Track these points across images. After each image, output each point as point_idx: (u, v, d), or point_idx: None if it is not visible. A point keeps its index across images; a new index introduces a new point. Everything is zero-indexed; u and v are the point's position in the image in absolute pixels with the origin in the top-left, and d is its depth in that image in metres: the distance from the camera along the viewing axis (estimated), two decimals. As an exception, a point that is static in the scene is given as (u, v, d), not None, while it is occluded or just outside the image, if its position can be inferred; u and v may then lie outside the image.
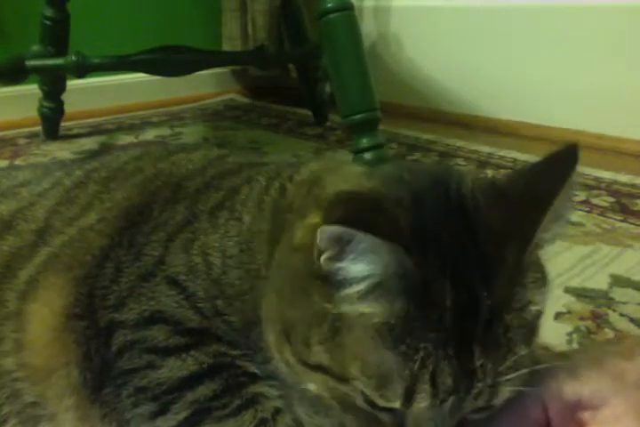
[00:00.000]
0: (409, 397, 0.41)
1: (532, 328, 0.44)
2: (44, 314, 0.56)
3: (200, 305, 0.53)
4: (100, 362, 0.53)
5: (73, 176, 0.70)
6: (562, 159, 0.42)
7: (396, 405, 0.41)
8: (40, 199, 0.66)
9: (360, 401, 0.43)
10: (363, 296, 0.41)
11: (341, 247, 0.40)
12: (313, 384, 0.46)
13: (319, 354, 0.43)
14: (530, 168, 0.46)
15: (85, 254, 0.58)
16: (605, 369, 0.45)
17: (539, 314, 0.44)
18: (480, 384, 0.41)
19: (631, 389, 0.43)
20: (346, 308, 0.42)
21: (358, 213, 0.40)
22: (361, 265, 0.40)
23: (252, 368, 0.52)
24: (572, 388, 0.44)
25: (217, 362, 0.51)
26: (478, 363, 0.40)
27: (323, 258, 0.41)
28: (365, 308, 0.41)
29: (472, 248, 0.42)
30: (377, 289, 0.41)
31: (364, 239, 0.39)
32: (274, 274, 0.50)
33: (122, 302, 0.53)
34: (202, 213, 0.58)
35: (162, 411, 0.50)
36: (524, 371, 0.42)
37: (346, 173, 0.57)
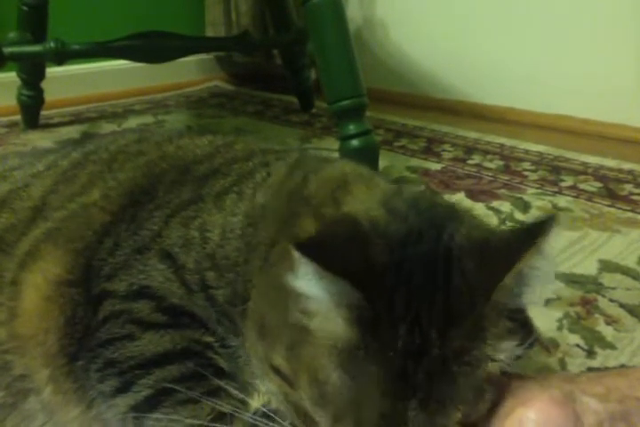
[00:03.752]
0: (335, 422, 0.42)
1: (481, 387, 0.42)
2: (39, 282, 0.56)
3: (188, 277, 0.54)
4: (83, 329, 0.54)
5: (69, 158, 0.70)
6: (537, 229, 0.42)
7: (325, 426, 0.43)
8: (35, 180, 0.67)
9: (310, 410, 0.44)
10: (317, 314, 0.43)
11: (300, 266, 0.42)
12: (273, 385, 0.48)
13: (280, 359, 0.45)
14: (511, 231, 0.47)
15: (87, 229, 0.59)
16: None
17: (503, 366, 0.44)
18: None
19: None
20: (306, 322, 0.44)
21: (327, 242, 0.42)
22: (309, 287, 0.42)
23: (221, 362, 0.52)
24: None
25: (189, 347, 0.52)
26: (412, 414, 0.40)
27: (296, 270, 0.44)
28: (320, 325, 0.43)
29: (441, 298, 0.42)
30: (329, 312, 0.42)
31: (311, 266, 0.40)
32: (267, 271, 0.51)
33: (115, 273, 0.55)
34: (208, 195, 0.59)
35: (125, 388, 0.51)
36: None
37: (372, 189, 0.56)
